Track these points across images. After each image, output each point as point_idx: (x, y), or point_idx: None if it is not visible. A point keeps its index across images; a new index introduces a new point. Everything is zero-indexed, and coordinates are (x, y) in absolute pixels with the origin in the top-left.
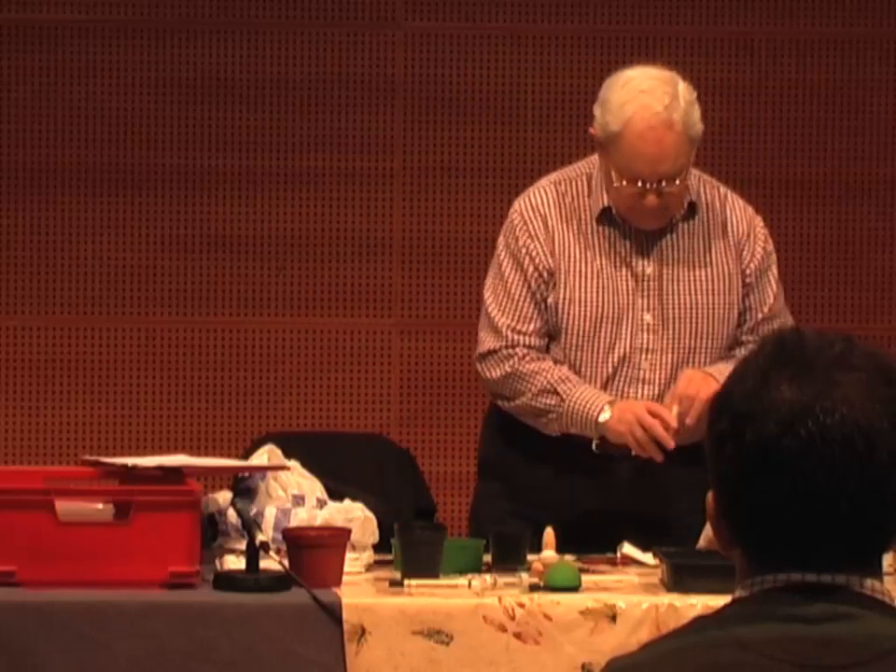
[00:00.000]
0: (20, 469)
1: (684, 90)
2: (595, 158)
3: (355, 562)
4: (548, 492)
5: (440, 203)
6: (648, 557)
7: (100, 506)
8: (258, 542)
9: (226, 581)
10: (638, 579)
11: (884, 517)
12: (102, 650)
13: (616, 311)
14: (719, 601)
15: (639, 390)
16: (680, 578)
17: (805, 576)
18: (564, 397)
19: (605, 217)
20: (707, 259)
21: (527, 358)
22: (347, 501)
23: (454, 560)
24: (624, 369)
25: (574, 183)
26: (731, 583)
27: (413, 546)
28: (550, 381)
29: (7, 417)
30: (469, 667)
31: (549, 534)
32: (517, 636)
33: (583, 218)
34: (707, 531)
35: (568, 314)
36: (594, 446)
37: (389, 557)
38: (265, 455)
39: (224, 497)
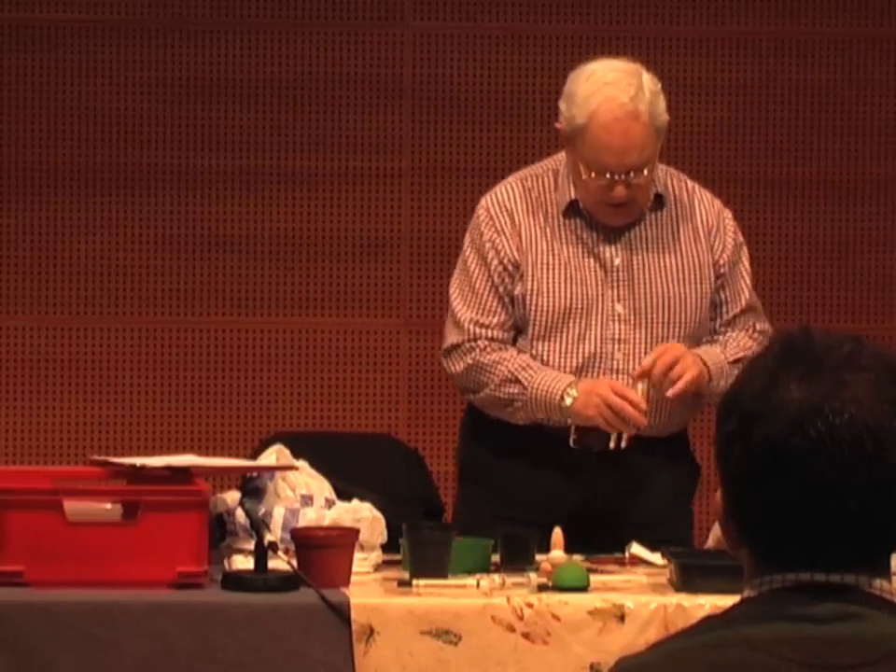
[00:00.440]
0: (26, 469)
1: (648, 80)
2: (561, 155)
3: (363, 562)
4: (528, 491)
5: (448, 202)
6: (656, 557)
7: (108, 506)
8: (266, 542)
9: (234, 581)
10: (647, 579)
11: (893, 517)
12: (109, 649)
13: (585, 302)
14: (727, 601)
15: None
16: (689, 578)
17: (814, 576)
18: (526, 385)
19: (571, 209)
20: (677, 249)
21: (488, 349)
22: (355, 501)
23: (462, 560)
24: (597, 360)
25: (540, 179)
26: (739, 583)
27: (421, 546)
28: (511, 370)
29: (4, 417)
30: (478, 667)
31: (557, 534)
32: (525, 636)
33: (550, 212)
34: (716, 531)
35: (536, 305)
36: (571, 441)
37: (398, 557)
38: (273, 455)
39: (232, 496)
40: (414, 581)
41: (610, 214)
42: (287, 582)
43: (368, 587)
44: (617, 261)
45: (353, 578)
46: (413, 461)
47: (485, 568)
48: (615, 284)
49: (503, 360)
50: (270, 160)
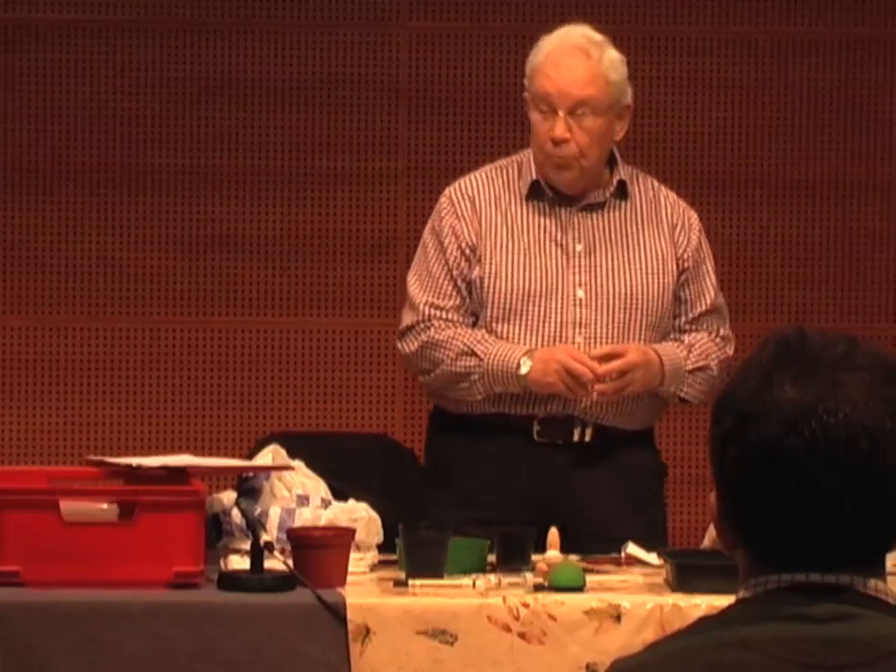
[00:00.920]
0: (23, 468)
1: (611, 48)
2: (527, 150)
3: (359, 562)
4: (493, 490)
5: None
6: (652, 557)
7: (104, 506)
8: (262, 542)
9: (230, 580)
10: (643, 579)
11: (887, 517)
12: (107, 649)
13: (545, 286)
14: (723, 601)
15: None
16: (685, 578)
17: (810, 576)
18: (482, 356)
19: (534, 193)
20: (640, 239)
21: (442, 327)
22: (351, 501)
23: (458, 560)
24: (557, 343)
25: (504, 170)
26: (735, 583)
27: (417, 546)
28: (466, 343)
29: (8, 417)
30: (474, 667)
31: (553, 534)
32: (522, 636)
33: (513, 200)
34: (711, 531)
35: (493, 287)
36: (534, 434)
37: (394, 557)
38: (269, 455)
39: (228, 496)
40: (410, 581)
41: (556, 168)
42: (283, 582)
43: (364, 587)
44: (579, 248)
45: (349, 578)
46: (410, 461)
47: (481, 568)
48: (577, 269)
49: (458, 335)
50: (267, 160)
